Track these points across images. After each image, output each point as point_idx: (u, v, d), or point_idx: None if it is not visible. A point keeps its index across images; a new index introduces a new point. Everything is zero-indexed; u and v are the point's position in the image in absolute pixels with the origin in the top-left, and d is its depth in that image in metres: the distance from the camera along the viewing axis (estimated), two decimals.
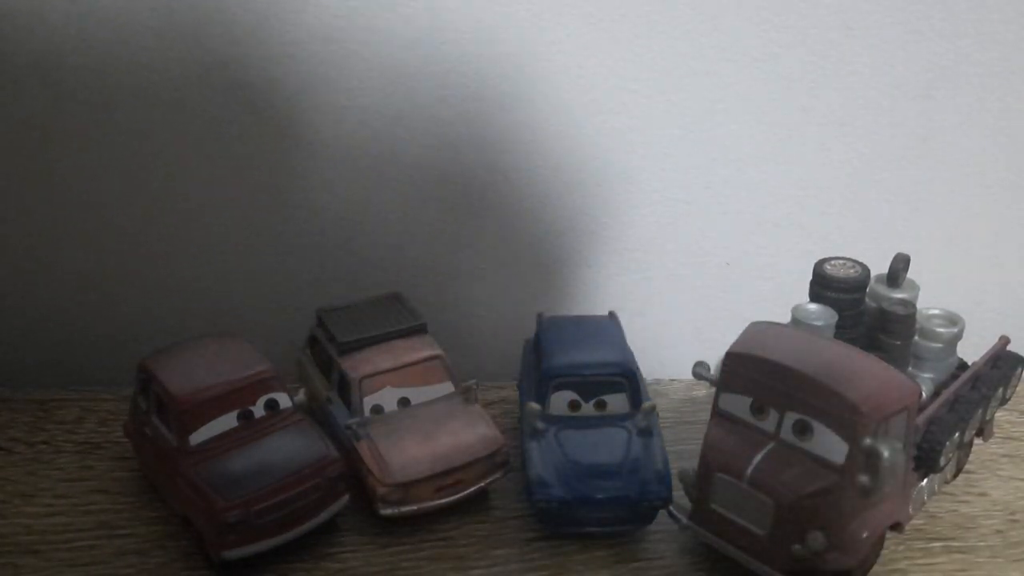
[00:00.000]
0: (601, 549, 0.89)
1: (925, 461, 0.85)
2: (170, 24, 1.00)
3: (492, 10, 1.01)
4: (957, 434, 0.87)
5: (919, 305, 0.92)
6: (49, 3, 0.98)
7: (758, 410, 0.83)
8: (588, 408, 0.93)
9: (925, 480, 0.88)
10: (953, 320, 0.93)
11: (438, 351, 0.97)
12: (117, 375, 1.11)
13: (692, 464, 0.86)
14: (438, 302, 1.13)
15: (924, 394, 0.87)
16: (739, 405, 0.84)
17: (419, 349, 0.97)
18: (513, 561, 0.87)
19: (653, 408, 0.93)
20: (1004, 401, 0.96)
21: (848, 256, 0.94)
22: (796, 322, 0.90)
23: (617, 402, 0.93)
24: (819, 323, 0.89)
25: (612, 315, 1.03)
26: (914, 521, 0.90)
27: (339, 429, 0.94)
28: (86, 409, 1.09)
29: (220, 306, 1.15)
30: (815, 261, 0.93)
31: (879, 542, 0.84)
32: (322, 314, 1.01)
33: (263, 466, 0.85)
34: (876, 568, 0.85)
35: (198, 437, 0.86)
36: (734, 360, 0.84)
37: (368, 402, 0.93)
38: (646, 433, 0.92)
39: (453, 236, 1.12)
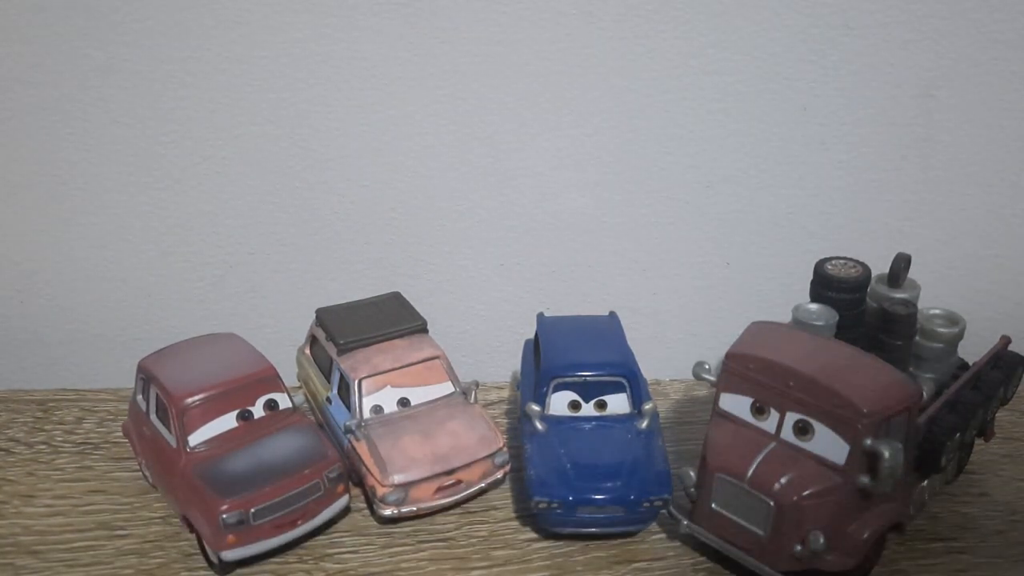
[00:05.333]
0: (601, 550, 0.88)
1: (926, 461, 0.85)
2: (175, 22, 1.00)
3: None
4: (958, 434, 0.87)
5: (920, 305, 0.91)
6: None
7: (758, 410, 0.83)
8: (588, 408, 0.93)
9: (926, 480, 0.88)
10: (954, 320, 0.93)
11: (438, 351, 0.97)
12: (116, 375, 1.12)
13: (692, 464, 0.86)
14: (438, 302, 1.13)
15: (925, 394, 0.87)
16: (739, 405, 0.84)
17: (419, 349, 0.97)
18: (513, 562, 0.87)
19: (653, 408, 0.93)
20: (1005, 401, 0.96)
21: (849, 256, 0.94)
22: (797, 322, 0.89)
23: (617, 402, 0.93)
24: (820, 323, 0.89)
25: (612, 315, 1.03)
26: (915, 521, 0.90)
27: (339, 429, 0.94)
28: (85, 409, 1.09)
29: (220, 306, 1.15)
30: (815, 261, 0.93)
31: (880, 543, 0.84)
32: (322, 314, 1.01)
33: (262, 466, 0.85)
34: (877, 569, 0.85)
35: (197, 437, 0.86)
36: (734, 360, 0.84)
37: (368, 402, 0.93)
38: (646, 433, 0.91)
39: (453, 236, 1.12)
